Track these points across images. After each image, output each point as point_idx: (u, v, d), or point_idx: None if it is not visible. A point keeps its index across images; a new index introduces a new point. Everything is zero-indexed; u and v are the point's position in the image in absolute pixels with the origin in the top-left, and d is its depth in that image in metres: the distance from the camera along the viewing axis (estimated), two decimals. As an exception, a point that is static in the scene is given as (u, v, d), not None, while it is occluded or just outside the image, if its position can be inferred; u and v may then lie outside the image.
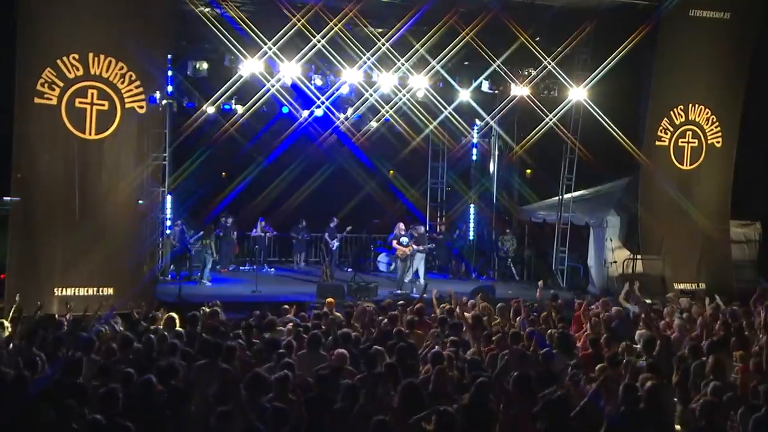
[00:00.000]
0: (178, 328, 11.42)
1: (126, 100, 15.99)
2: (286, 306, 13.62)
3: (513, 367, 9.05)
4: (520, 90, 20.07)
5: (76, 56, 15.56)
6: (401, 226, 20.14)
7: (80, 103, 15.66)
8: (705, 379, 9.25)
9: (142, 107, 16.14)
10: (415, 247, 19.85)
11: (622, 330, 12.63)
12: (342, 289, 17.86)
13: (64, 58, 15.48)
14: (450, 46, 18.97)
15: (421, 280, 19.84)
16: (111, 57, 15.79)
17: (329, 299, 14.22)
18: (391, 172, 28.22)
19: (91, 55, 15.67)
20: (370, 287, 18.18)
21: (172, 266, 20.55)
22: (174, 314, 11.91)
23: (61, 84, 15.48)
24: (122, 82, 15.91)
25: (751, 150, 21.07)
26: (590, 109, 19.94)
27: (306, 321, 12.25)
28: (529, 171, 25.97)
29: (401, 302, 14.04)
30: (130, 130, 16.13)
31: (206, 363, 9.17)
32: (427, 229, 23.16)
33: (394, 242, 19.89)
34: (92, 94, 15.72)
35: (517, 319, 12.90)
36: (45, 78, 15.37)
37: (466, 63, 20.13)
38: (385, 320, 11.93)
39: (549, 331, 12.05)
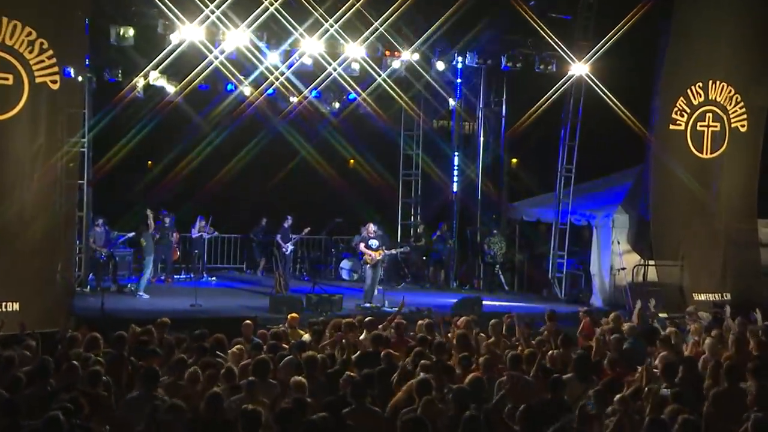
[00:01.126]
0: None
1: (36, 74, 15.29)
2: (248, 321, 13.13)
3: (513, 398, 8.73)
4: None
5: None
6: (371, 227, 19.59)
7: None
8: (745, 411, 8.95)
9: (55, 82, 15.46)
10: (387, 252, 19.45)
11: (637, 351, 12.36)
12: (300, 302, 17.36)
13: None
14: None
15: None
16: (16, 20, 15.04)
17: (292, 314, 13.84)
18: (352, 161, 27.92)
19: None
20: (333, 300, 17.72)
21: (91, 275, 19.92)
22: (97, 334, 11.44)
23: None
24: (30, 52, 15.20)
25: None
26: (594, 87, 19.69)
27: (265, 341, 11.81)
28: (514, 160, 25.75)
29: (369, 318, 13.59)
30: (41, 110, 15.46)
31: (138, 396, 8.73)
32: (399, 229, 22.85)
33: (362, 246, 19.44)
34: (-6, 65, 15.10)
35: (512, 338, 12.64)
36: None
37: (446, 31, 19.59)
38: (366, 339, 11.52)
39: (550, 352, 11.73)
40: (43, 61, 15.33)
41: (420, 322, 13.47)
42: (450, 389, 8.97)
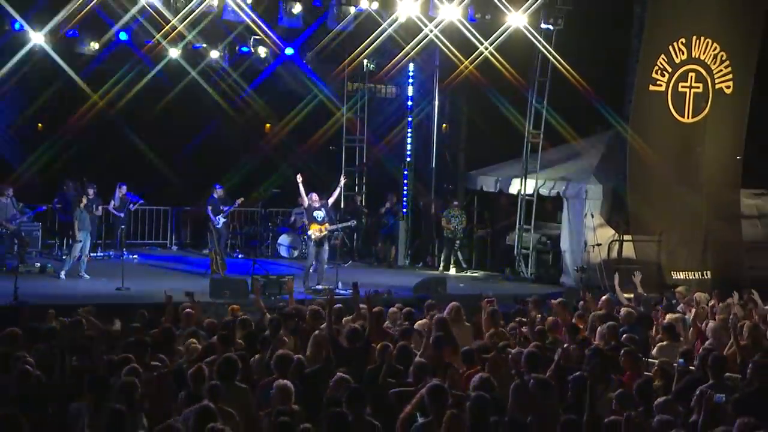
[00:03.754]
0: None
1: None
2: (188, 308, 11.94)
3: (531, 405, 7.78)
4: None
5: None
6: (314, 196, 18.27)
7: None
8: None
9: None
10: (331, 227, 18.32)
11: (636, 341, 11.40)
12: (244, 284, 16.22)
13: None
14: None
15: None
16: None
17: (233, 306, 12.78)
18: (268, 126, 26.63)
19: None
20: (282, 281, 16.58)
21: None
22: (15, 329, 10.15)
23: None
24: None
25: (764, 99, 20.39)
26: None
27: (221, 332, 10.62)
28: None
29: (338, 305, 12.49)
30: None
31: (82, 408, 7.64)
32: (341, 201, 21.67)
33: (304, 219, 18.35)
34: None
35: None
36: None
37: None
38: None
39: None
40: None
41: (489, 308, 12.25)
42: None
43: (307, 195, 18.32)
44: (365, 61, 22.28)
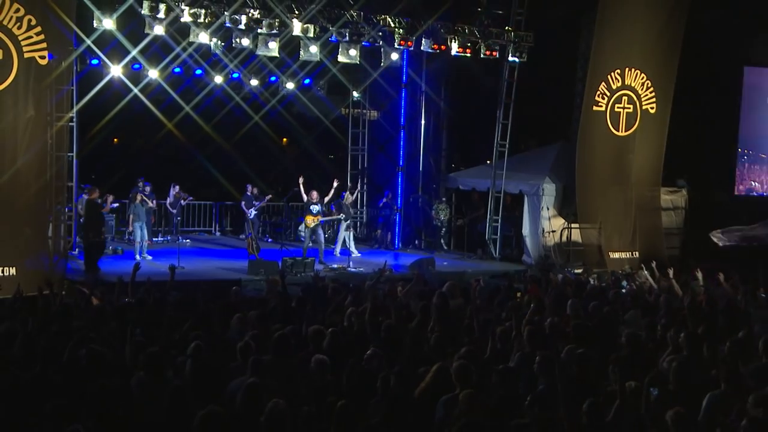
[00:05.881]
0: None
1: (24, 49, 12.61)
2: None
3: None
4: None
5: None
6: (314, 194, 17.45)
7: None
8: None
9: (43, 58, 12.82)
10: (323, 219, 17.51)
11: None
12: (276, 264, 15.07)
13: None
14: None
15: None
16: (6, -4, 12.36)
17: (273, 278, 11.56)
18: (285, 140, 25.65)
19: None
20: (306, 262, 15.47)
21: (79, 240, 17.22)
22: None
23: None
24: (19, 27, 12.52)
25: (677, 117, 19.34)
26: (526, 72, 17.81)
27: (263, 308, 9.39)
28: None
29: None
30: (29, 84, 12.79)
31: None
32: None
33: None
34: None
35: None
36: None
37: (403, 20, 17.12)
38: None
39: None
40: (31, 36, 12.64)
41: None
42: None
43: (307, 193, 17.38)
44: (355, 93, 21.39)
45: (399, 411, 5.91)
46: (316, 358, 6.71)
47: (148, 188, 18.22)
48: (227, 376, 6.76)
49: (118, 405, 5.74)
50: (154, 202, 18.49)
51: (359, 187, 22.03)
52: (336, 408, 5.46)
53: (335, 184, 18.17)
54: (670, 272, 12.67)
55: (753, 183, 21.42)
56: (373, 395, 6.10)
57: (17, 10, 12.44)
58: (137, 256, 16.40)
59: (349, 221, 18.68)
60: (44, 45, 12.75)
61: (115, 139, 25.31)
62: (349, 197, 19.37)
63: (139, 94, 18.76)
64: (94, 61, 17.90)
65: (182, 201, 19.50)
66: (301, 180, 17.40)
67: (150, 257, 16.67)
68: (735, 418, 5.87)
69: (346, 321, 8.53)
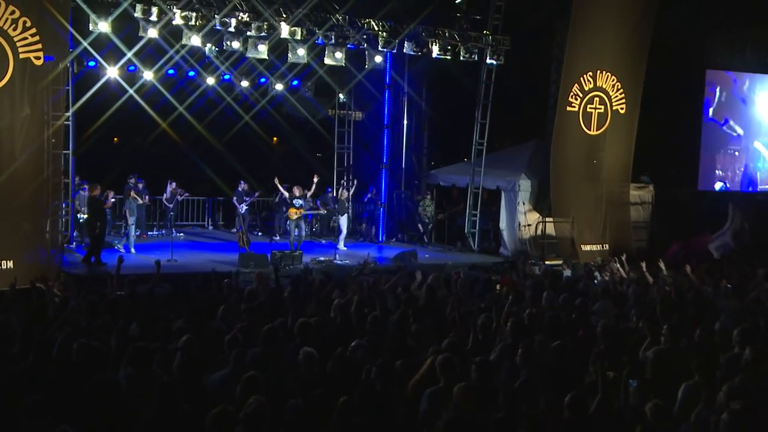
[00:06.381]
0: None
1: (19, 50, 12.16)
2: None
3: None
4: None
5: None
6: (296, 190, 17.34)
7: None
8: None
9: (38, 58, 12.37)
10: (305, 212, 17.49)
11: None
12: (265, 257, 14.73)
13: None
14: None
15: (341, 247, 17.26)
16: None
17: (261, 271, 11.22)
18: (275, 139, 25.28)
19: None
20: (294, 255, 15.13)
21: (76, 234, 16.78)
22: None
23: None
24: (15, 29, 12.07)
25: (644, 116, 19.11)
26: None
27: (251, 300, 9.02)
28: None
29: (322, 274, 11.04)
30: (25, 84, 12.33)
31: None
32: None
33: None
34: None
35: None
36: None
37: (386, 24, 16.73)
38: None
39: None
40: (26, 38, 12.20)
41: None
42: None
43: (291, 188, 17.29)
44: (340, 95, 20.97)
45: (381, 403, 5.58)
46: (304, 351, 6.40)
47: (141, 184, 17.80)
48: (215, 368, 6.44)
49: (108, 400, 5.40)
50: (147, 197, 18.09)
51: (346, 184, 21.68)
52: (319, 399, 5.15)
53: (315, 179, 17.94)
54: (643, 265, 12.48)
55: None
56: (356, 386, 5.78)
57: (12, 12, 12.00)
58: (132, 250, 16.00)
59: (345, 216, 18.42)
60: (39, 46, 12.32)
61: (116, 138, 24.82)
62: (344, 193, 18.99)
63: (135, 95, 18.48)
64: (91, 63, 17.51)
65: (179, 197, 19.06)
66: (315, 180, 17.67)
67: (134, 251, 16.19)
68: (704, 408, 5.61)
69: (333, 313, 8.19)
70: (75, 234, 16.71)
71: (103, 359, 6.13)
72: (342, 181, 20.41)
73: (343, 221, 18.42)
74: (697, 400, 5.79)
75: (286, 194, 17.33)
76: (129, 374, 5.85)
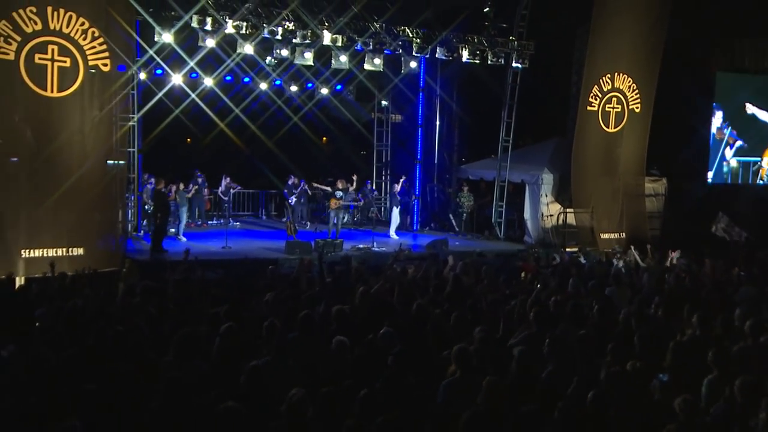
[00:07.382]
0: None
1: (89, 58, 11.83)
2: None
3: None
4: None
5: (34, 9, 11.29)
6: (338, 184, 16.81)
7: (40, 59, 11.43)
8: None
9: (106, 65, 12.02)
10: (344, 202, 16.82)
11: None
12: (309, 245, 14.26)
13: (21, 11, 11.19)
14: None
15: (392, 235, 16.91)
16: (71, 12, 11.55)
17: (305, 257, 10.73)
18: (324, 138, 24.79)
19: (49, 9, 11.41)
20: (336, 243, 14.62)
21: (144, 223, 16.53)
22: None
23: (19, 38, 11.23)
24: (84, 38, 11.74)
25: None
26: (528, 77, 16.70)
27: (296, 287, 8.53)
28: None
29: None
30: (94, 89, 11.99)
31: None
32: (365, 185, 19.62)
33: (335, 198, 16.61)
34: (53, 50, 11.50)
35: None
36: (0, 31, 11.11)
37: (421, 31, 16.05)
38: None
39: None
40: (94, 47, 11.84)
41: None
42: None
43: (335, 182, 16.89)
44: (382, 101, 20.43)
45: (401, 391, 5.01)
46: (337, 340, 5.87)
47: (200, 179, 17.51)
48: (255, 354, 5.94)
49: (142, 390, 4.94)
50: (206, 190, 17.81)
51: (383, 178, 21.23)
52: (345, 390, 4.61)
53: (355, 177, 17.77)
54: (668, 253, 11.70)
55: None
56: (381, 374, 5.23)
57: (82, 23, 11.64)
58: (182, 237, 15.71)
59: (395, 208, 17.93)
60: (107, 54, 11.95)
61: (188, 139, 24.55)
62: (396, 187, 18.27)
63: (196, 99, 18.10)
64: (159, 71, 17.21)
65: (232, 189, 18.72)
66: (354, 177, 17.45)
67: (184, 239, 15.81)
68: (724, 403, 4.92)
69: (358, 300, 7.64)
70: (144, 223, 16.48)
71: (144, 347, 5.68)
72: (400, 178, 19.75)
73: (395, 212, 17.79)
74: (719, 394, 5.12)
75: (328, 188, 16.84)
76: (169, 363, 5.37)
